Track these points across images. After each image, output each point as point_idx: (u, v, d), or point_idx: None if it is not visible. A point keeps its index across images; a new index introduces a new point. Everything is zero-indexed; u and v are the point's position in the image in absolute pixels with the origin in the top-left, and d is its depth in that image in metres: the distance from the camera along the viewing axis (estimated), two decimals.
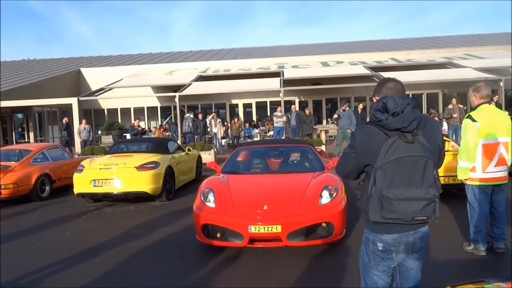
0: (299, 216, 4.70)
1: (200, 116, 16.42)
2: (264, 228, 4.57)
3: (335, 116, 13.08)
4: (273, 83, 18.65)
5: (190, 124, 16.47)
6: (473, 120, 4.14)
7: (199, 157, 10.81)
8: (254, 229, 4.58)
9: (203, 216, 4.92)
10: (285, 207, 4.86)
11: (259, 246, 4.78)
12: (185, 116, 16.99)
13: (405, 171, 2.13)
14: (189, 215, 6.59)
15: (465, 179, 4.22)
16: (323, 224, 4.78)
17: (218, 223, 4.81)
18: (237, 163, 7.03)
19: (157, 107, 25.44)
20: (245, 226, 4.61)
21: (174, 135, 22.43)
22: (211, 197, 5.14)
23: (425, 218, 2.17)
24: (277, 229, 4.57)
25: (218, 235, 4.85)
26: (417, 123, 2.19)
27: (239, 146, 7.62)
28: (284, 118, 15.94)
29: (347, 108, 13.05)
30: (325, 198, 4.97)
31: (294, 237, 4.64)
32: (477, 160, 4.14)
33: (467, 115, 4.21)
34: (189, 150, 9.88)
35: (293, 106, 16.80)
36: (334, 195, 5.02)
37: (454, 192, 7.29)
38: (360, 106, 15.47)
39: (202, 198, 5.18)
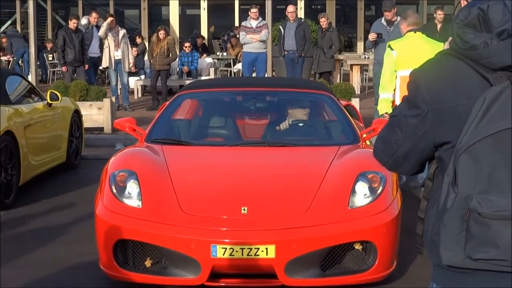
0: (310, 229, 5.41)
1: (70, 23, 16.74)
2: (242, 250, 5.25)
3: (371, 35, 13.55)
4: None
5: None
6: (392, 49, 8.06)
7: (76, 115, 11.38)
8: (221, 252, 5.24)
9: (116, 224, 5.54)
10: (283, 212, 5.55)
11: (230, 285, 5.47)
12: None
13: None
14: (58, 241, 7.23)
15: (386, 113, 7.92)
16: (357, 246, 5.51)
17: (149, 240, 5.43)
18: (179, 123, 7.71)
19: None
20: (203, 245, 5.27)
21: (20, 62, 22.62)
22: (132, 188, 5.76)
23: None
24: (266, 252, 5.25)
25: (148, 262, 5.49)
26: None
27: (184, 89, 8.24)
28: (264, 34, 16.55)
29: (397, 18, 13.50)
30: (362, 196, 5.70)
31: (300, 269, 5.34)
32: (396, 93, 8.04)
33: (388, 45, 8.17)
34: (53, 98, 10.28)
35: (290, 9, 17.44)
36: (379, 190, 5.74)
37: None
38: (440, 14, 16.21)
39: (114, 190, 5.78)
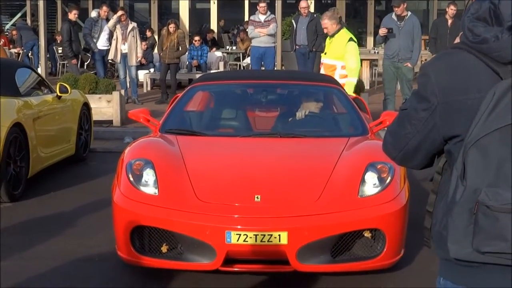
0: (321, 217, 5.59)
1: (71, 15, 16.79)
2: (255, 236, 5.42)
3: (382, 30, 13.63)
4: None
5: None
6: (356, 42, 10.85)
7: (86, 108, 11.52)
8: (235, 239, 5.41)
9: (133, 211, 5.73)
10: (295, 200, 5.75)
11: (244, 270, 5.67)
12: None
13: None
14: (66, 233, 7.33)
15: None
16: (366, 234, 5.69)
17: (165, 226, 5.62)
18: (192, 115, 7.89)
19: None
20: (218, 231, 5.45)
21: (30, 54, 22.72)
22: (149, 176, 5.94)
23: None
24: (279, 239, 5.42)
25: (164, 248, 5.68)
26: None
27: (196, 81, 8.40)
28: (272, 28, 16.66)
29: (408, 13, 13.63)
30: (371, 185, 5.89)
31: (311, 255, 5.52)
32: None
33: (350, 38, 10.78)
34: (63, 91, 10.37)
35: (303, 4, 17.44)
36: (387, 180, 5.91)
37: None
38: (452, 9, 16.20)
39: (130, 178, 5.96)
